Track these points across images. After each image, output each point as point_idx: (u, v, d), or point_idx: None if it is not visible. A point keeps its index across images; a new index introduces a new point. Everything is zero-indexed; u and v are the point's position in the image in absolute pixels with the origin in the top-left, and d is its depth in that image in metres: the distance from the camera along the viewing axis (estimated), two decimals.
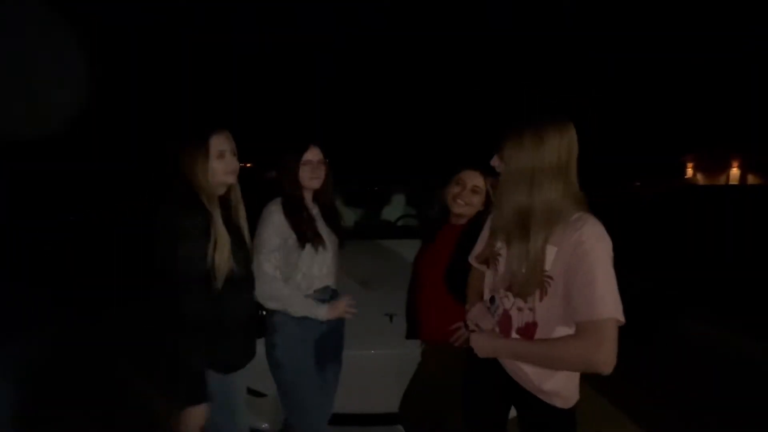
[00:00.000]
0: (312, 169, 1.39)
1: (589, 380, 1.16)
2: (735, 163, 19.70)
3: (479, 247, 1.23)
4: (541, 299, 0.98)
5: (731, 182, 19.53)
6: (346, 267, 2.23)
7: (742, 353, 3.12)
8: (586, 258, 0.88)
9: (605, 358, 0.83)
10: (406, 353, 1.64)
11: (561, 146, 0.97)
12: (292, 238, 1.35)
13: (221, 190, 1.24)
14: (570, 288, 0.90)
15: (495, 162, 1.08)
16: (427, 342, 1.56)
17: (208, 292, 1.11)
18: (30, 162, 12.09)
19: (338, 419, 1.64)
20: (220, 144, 1.19)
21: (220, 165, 1.18)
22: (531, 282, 0.97)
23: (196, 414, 1.08)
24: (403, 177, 3.97)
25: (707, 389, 2.58)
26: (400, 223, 3.31)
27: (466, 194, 1.48)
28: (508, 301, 1.07)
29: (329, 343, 1.52)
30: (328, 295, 1.49)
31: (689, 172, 22.08)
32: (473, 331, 1.35)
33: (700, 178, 21.67)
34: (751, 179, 18.98)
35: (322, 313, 1.37)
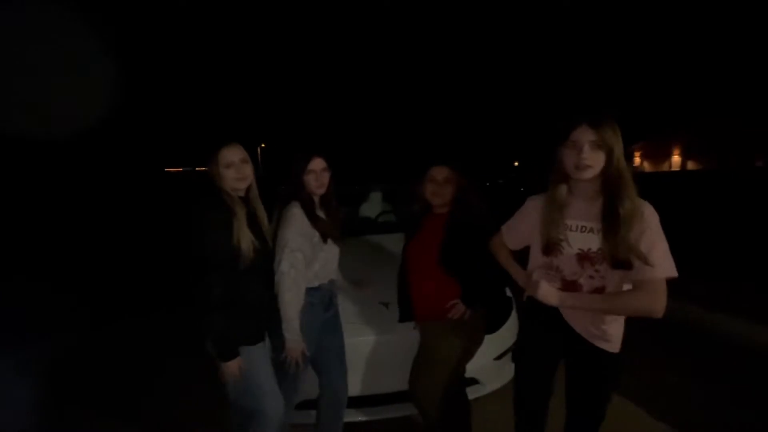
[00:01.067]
0: (316, 177, 1.55)
1: None
2: (676, 151, 21.47)
3: (525, 234, 1.36)
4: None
5: (673, 168, 21.29)
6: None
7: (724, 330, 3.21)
8: (648, 230, 1.08)
9: (660, 307, 1.08)
10: (407, 336, 1.79)
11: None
12: (316, 236, 1.54)
13: (239, 193, 1.43)
14: (634, 254, 1.09)
15: (593, 138, 1.11)
16: (423, 321, 1.68)
17: (231, 273, 1.31)
18: (32, 163, 11.50)
19: (351, 402, 1.76)
20: (229, 155, 1.39)
21: (229, 173, 1.38)
22: (626, 257, 1.10)
23: (230, 367, 1.33)
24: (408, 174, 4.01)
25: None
26: (380, 220, 3.49)
27: (440, 187, 1.66)
28: (580, 276, 1.20)
29: (329, 330, 1.69)
30: (335, 286, 1.70)
31: (637, 160, 23.79)
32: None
33: (647, 166, 23.41)
34: (690, 165, 20.77)
35: (294, 336, 1.45)
